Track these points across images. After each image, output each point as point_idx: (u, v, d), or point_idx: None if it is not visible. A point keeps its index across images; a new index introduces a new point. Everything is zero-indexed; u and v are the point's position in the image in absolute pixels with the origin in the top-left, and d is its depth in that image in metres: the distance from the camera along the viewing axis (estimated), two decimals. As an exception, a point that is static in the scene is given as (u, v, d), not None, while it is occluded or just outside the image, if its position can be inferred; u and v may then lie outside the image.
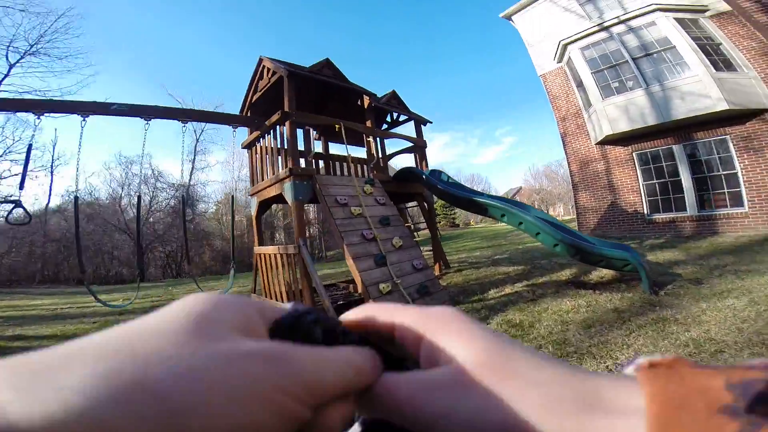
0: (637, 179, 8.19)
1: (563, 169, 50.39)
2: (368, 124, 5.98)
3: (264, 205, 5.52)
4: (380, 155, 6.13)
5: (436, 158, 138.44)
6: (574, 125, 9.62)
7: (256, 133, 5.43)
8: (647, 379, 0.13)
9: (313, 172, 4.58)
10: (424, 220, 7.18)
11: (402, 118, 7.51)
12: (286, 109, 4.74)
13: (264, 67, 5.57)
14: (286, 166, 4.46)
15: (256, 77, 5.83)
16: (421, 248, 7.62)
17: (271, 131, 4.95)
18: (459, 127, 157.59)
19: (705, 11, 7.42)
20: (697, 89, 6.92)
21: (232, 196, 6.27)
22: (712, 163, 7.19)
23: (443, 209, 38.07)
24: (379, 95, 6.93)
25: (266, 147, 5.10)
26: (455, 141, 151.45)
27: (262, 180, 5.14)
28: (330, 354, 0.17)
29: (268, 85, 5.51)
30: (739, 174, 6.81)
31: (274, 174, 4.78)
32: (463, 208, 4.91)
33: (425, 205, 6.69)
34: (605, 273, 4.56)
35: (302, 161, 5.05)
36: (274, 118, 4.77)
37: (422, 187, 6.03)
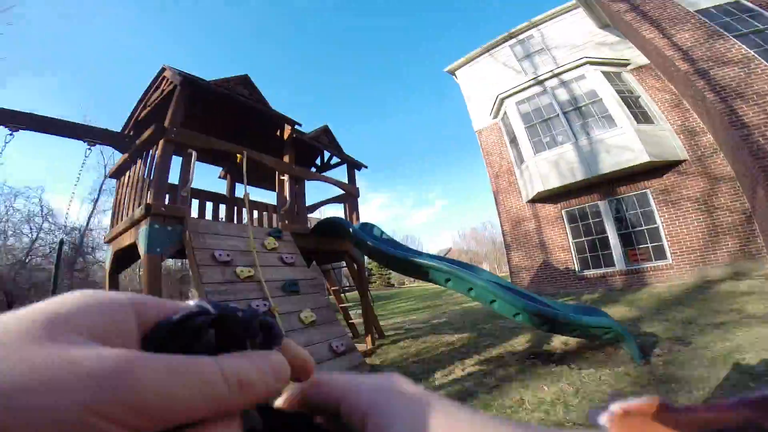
0: (567, 237, 8.17)
1: (488, 231, 54.34)
2: (286, 159, 4.87)
3: (122, 258, 3.87)
4: (300, 201, 4.85)
5: (373, 218, 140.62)
6: (506, 182, 9.63)
7: (124, 157, 3.99)
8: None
9: (183, 213, 3.14)
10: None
11: (334, 160, 6.44)
12: (167, 124, 3.48)
13: (163, 77, 4.32)
14: (145, 202, 3.02)
15: (151, 89, 4.52)
16: (351, 313, 6.26)
17: (144, 155, 3.60)
18: (398, 188, 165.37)
19: (627, 65, 8.05)
20: (622, 142, 7.12)
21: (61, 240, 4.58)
22: (636, 218, 7.37)
23: (379, 268, 34.65)
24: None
25: (135, 176, 3.67)
26: (392, 202, 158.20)
27: (121, 221, 3.62)
28: (203, 366, 0.13)
29: (160, 98, 4.23)
30: (661, 228, 7.00)
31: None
32: (399, 270, 3.61)
33: (354, 265, 5.44)
34: (566, 338, 3.79)
35: (178, 198, 3.57)
36: (146, 134, 3.46)
37: (349, 243, 4.74)
